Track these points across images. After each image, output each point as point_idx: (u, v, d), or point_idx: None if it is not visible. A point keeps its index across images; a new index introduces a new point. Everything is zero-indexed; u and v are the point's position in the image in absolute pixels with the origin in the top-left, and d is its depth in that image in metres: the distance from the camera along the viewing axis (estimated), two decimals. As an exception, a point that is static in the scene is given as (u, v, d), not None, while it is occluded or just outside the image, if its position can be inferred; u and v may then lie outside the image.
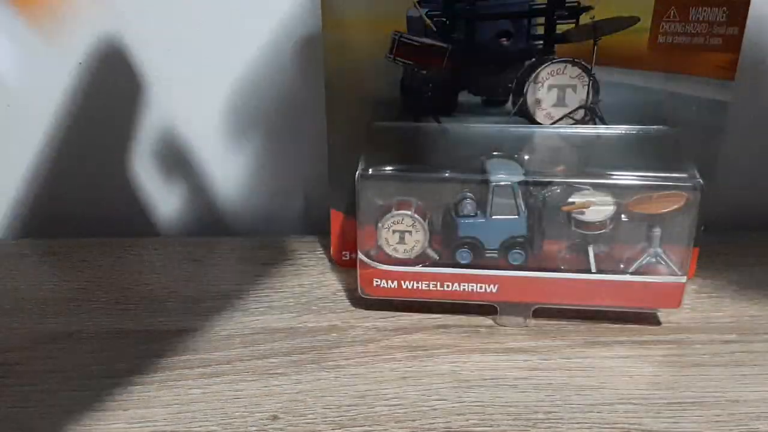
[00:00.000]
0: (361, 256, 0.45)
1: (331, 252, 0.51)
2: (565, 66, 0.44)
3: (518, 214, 0.43)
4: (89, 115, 0.53)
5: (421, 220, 0.43)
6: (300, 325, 0.45)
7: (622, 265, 0.44)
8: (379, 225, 0.44)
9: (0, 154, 0.55)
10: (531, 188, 0.43)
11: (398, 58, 0.44)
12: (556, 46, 0.43)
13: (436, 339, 0.44)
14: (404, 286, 0.45)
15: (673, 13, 0.42)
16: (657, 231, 0.43)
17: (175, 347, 0.44)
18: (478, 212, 0.43)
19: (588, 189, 0.42)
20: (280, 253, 0.52)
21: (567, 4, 0.42)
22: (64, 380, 0.42)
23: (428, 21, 0.43)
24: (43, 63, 0.52)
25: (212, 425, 0.39)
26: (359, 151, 0.44)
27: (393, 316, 0.46)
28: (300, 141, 0.54)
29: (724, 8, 0.41)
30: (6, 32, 0.50)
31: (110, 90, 0.53)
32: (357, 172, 0.43)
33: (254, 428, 0.39)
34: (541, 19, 0.43)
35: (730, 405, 0.39)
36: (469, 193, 0.43)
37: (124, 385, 0.41)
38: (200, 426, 0.39)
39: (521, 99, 0.44)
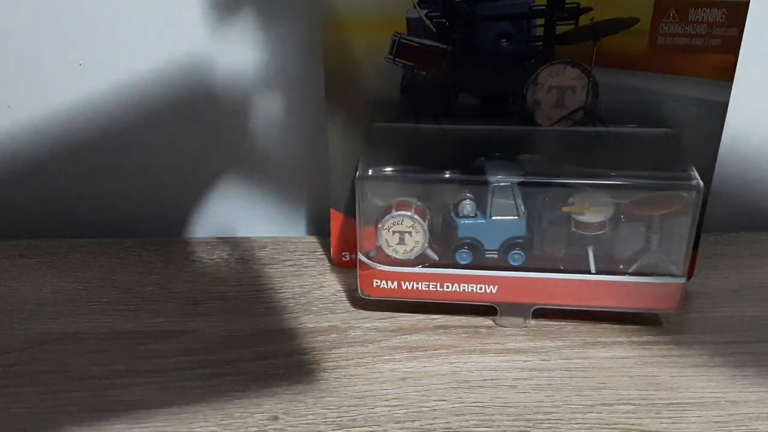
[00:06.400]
0: (361, 256, 0.45)
1: (331, 253, 0.51)
2: (565, 67, 0.44)
3: (518, 215, 0.43)
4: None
5: (421, 220, 0.44)
6: (300, 326, 0.46)
7: (621, 266, 0.44)
8: (379, 226, 0.44)
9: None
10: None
11: (398, 59, 0.44)
12: (555, 47, 0.43)
13: (436, 340, 0.44)
14: (404, 287, 0.45)
15: (673, 14, 0.42)
16: (656, 232, 0.43)
17: (175, 347, 0.44)
18: (478, 213, 0.43)
19: (588, 190, 0.42)
20: (280, 254, 0.52)
21: (567, 6, 0.42)
22: (64, 380, 0.42)
23: (428, 22, 0.43)
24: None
25: (212, 425, 0.39)
26: (359, 151, 0.44)
27: (393, 317, 0.46)
28: (300, 140, 0.54)
29: (723, 9, 0.41)
30: None
31: (113, 91, 0.53)
32: (357, 173, 0.43)
33: (254, 428, 0.39)
34: (541, 21, 0.43)
35: (729, 405, 0.39)
36: (468, 194, 0.43)
37: (124, 385, 0.41)
38: (200, 426, 0.39)
39: (521, 100, 0.45)
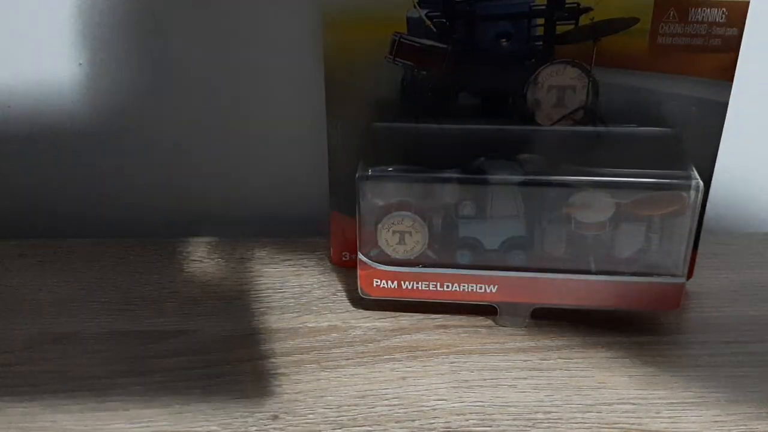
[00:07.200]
0: (361, 256, 0.45)
1: (331, 253, 0.51)
2: (565, 67, 0.44)
3: (518, 215, 0.43)
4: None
5: (421, 220, 0.44)
6: (300, 326, 0.46)
7: (621, 266, 0.44)
8: (379, 226, 0.44)
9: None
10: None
11: (398, 59, 0.44)
12: (555, 47, 0.43)
13: (436, 339, 0.44)
14: (404, 287, 0.45)
15: (673, 13, 0.42)
16: (656, 232, 0.43)
17: (175, 347, 0.44)
18: (478, 213, 0.43)
19: (588, 189, 0.42)
20: (280, 254, 0.52)
21: (567, 5, 0.42)
22: (64, 380, 0.42)
23: (428, 22, 0.43)
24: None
25: (212, 425, 0.39)
26: (359, 151, 0.44)
27: (393, 317, 0.46)
28: (300, 141, 0.54)
29: (724, 9, 0.41)
30: None
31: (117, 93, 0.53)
32: (357, 173, 0.43)
33: (254, 428, 0.39)
34: (541, 20, 0.43)
35: (729, 405, 0.39)
36: (468, 194, 0.43)
37: (124, 385, 0.41)
38: (200, 426, 0.39)
39: (521, 100, 0.45)
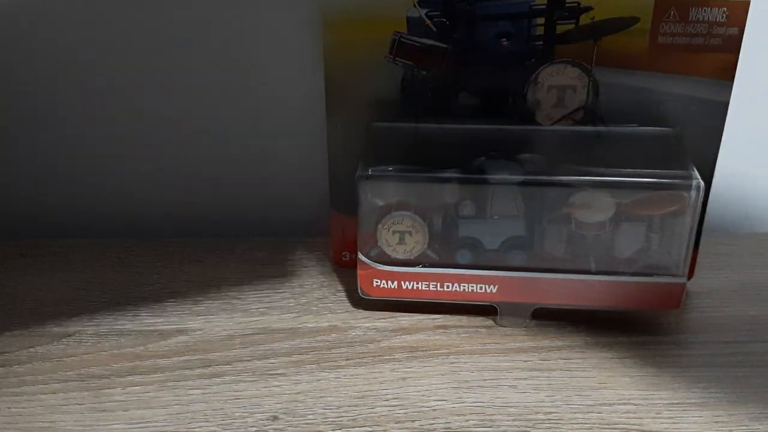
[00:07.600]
0: (361, 256, 0.45)
1: (331, 253, 0.51)
2: (565, 67, 0.44)
3: (518, 215, 0.43)
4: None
5: (421, 220, 0.43)
6: (300, 326, 0.46)
7: (621, 266, 0.44)
8: (379, 226, 0.44)
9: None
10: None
11: (398, 59, 0.44)
12: (555, 46, 0.43)
13: (436, 339, 0.44)
14: (404, 287, 0.45)
15: (673, 13, 0.42)
16: (656, 232, 0.43)
17: (175, 347, 0.44)
18: (478, 213, 0.43)
19: (588, 189, 0.42)
20: (280, 254, 0.52)
21: (567, 5, 0.42)
22: (64, 380, 0.42)
23: (428, 21, 0.43)
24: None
25: (212, 425, 0.39)
26: (359, 151, 0.44)
27: (393, 317, 0.46)
28: (300, 141, 0.54)
29: (724, 8, 0.41)
30: None
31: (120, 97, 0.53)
32: (357, 173, 0.43)
33: (254, 428, 0.39)
34: (542, 20, 0.43)
35: (729, 406, 0.39)
36: (468, 194, 0.43)
37: (124, 385, 0.41)
38: (200, 426, 0.39)
39: (521, 100, 0.45)
